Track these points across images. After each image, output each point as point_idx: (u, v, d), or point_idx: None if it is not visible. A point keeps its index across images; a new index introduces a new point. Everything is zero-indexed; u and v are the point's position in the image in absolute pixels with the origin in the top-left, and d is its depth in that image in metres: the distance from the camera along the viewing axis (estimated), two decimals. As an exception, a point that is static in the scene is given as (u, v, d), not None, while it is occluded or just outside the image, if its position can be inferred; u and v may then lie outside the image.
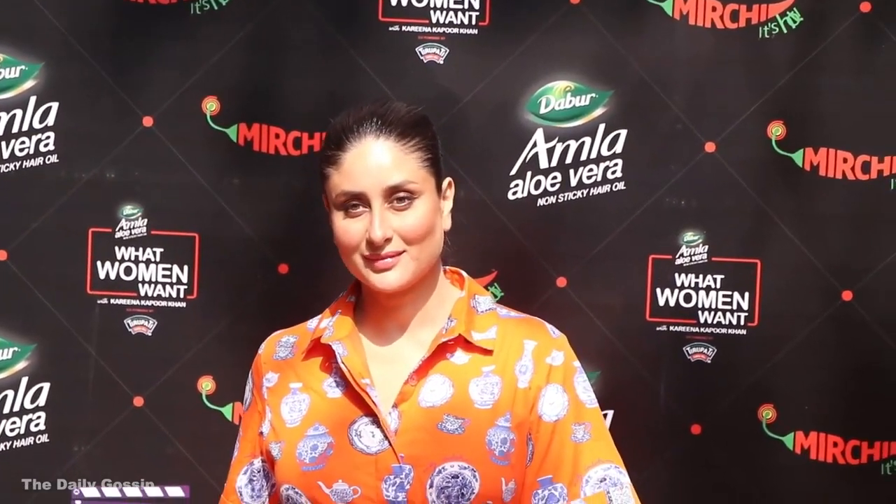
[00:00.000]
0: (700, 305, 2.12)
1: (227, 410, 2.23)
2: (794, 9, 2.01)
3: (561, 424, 1.76)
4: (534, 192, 2.19)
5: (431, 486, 1.70)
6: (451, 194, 1.79)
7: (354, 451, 1.71)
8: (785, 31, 2.04)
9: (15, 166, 2.13)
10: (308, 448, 1.73)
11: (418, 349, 1.74)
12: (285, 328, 1.81)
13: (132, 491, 2.07)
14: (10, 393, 2.16)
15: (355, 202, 1.68)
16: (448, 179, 1.75)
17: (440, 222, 1.75)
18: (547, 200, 2.18)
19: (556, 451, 1.76)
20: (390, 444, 1.68)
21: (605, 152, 2.14)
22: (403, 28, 2.15)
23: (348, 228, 1.69)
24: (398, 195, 1.67)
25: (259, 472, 1.86)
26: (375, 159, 1.70)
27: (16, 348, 2.17)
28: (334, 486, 1.74)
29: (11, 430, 2.16)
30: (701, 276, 2.11)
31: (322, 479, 1.73)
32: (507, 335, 1.79)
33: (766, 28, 2.01)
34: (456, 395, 1.73)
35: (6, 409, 2.17)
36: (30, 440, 2.17)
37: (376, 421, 1.70)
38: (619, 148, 2.17)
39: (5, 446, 2.17)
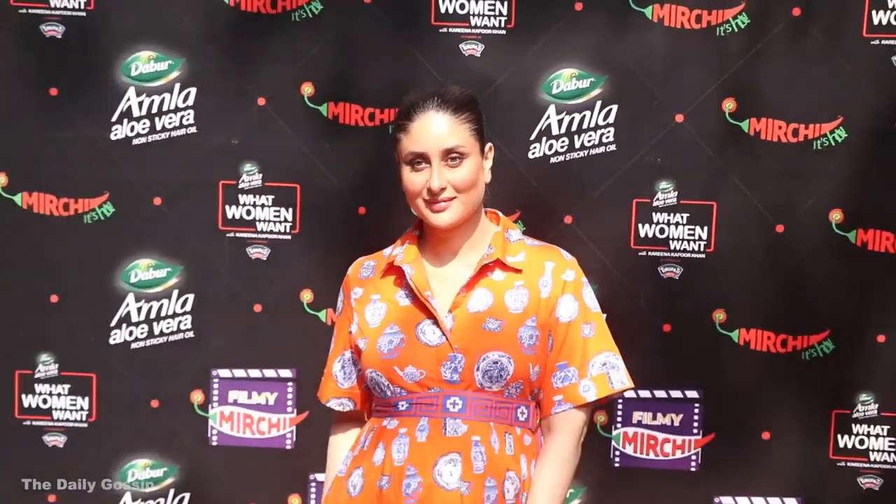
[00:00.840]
0: (671, 236, 2.64)
1: (322, 315, 2.75)
2: (744, 13, 2.49)
3: (573, 324, 2.14)
4: (547, 153, 2.69)
5: (478, 370, 2.08)
6: (492, 156, 2.14)
7: (420, 344, 2.11)
8: (736, 30, 2.52)
9: (166, 136, 2.66)
10: (385, 342, 2.12)
11: (466, 269, 2.13)
12: (366, 255, 2.23)
13: (254, 372, 2.74)
14: (165, 301, 2.71)
15: (419, 160, 2.05)
16: (489, 144, 2.10)
17: (482, 176, 2.11)
18: (557, 159, 2.68)
19: (570, 344, 2.13)
20: (447, 339, 2.08)
21: (601, 122, 2.64)
22: (450, 30, 2.63)
23: (413, 179, 2.07)
24: (451, 155, 2.04)
25: (349, 361, 2.26)
26: (435, 128, 2.06)
27: (169, 269, 2.71)
28: (406, 370, 2.11)
29: (167, 329, 2.72)
30: (672, 214, 2.62)
31: (397, 364, 2.11)
32: (532, 258, 2.18)
33: (721, 28, 2.51)
34: (495, 303, 2.12)
35: (163, 314, 2.73)
36: (180, 336, 2.73)
37: (436, 322, 2.09)
38: (611, 119, 2.68)
39: (164, 340, 2.72)
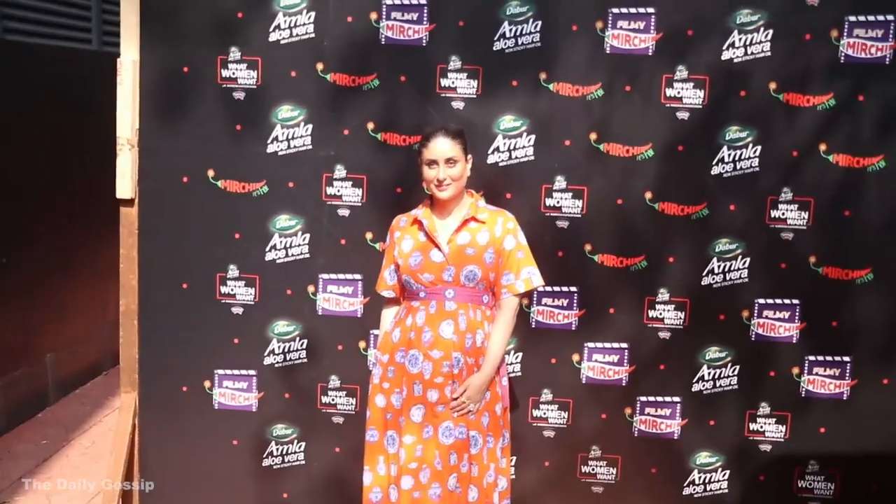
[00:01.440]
0: (563, 205, 3.97)
1: (377, 245, 3.99)
2: (601, 88, 3.87)
3: (512, 251, 3.45)
4: (497, 161, 3.95)
5: (462, 275, 3.39)
6: (471, 161, 3.44)
7: (431, 261, 3.42)
8: (597, 96, 3.92)
9: (295, 150, 3.99)
10: (413, 260, 3.44)
11: (455, 222, 3.43)
12: (401, 213, 3.60)
13: (341, 276, 4.01)
14: (294, 238, 4.05)
15: (433, 163, 3.34)
16: (470, 156, 3.41)
17: (466, 172, 3.39)
18: (503, 164, 3.94)
19: (510, 262, 3.45)
20: (445, 258, 3.38)
21: (526, 144, 3.92)
22: (446, 94, 3.91)
23: (429, 173, 3.38)
24: (450, 161, 3.34)
25: (393, 270, 3.57)
26: (442, 146, 3.34)
27: (296, 220, 4.04)
28: (423, 275, 3.42)
29: (295, 252, 4.05)
30: (563, 193, 3.95)
31: (418, 272, 3.43)
32: (491, 216, 3.46)
33: (588, 96, 3.87)
34: (471, 239, 3.40)
35: (292, 244, 4.06)
36: (301, 256, 4.08)
37: (440, 249, 3.39)
38: (531, 142, 3.92)
39: (293, 258, 4.07)
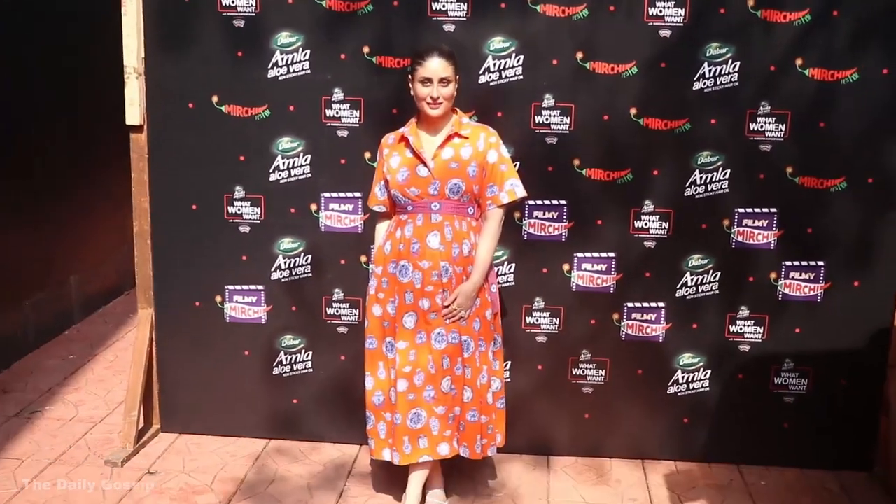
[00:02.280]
0: (551, 122, 4.14)
1: (374, 164, 4.02)
2: (586, 9, 4.04)
3: (495, 165, 3.63)
4: (488, 81, 4.09)
5: (447, 188, 3.58)
6: (460, 79, 3.61)
7: (417, 176, 3.58)
8: (583, 17, 4.07)
9: (294, 75, 4.17)
10: (400, 175, 3.61)
11: (440, 137, 3.61)
12: (390, 132, 3.75)
13: (341, 194, 4.18)
14: (296, 159, 4.25)
15: (427, 81, 3.51)
16: (458, 76, 3.58)
17: (454, 92, 3.57)
18: (493, 84, 4.07)
19: (494, 174, 3.63)
20: (431, 173, 3.56)
21: (514, 64, 4.04)
22: (437, 18, 4.02)
23: (422, 91, 3.53)
24: (443, 81, 3.52)
25: (383, 186, 3.75)
26: (437, 65, 3.51)
27: (298, 142, 4.22)
28: (410, 189, 3.60)
29: (297, 172, 4.25)
30: (552, 111, 4.11)
31: (406, 186, 3.61)
32: (474, 131, 3.63)
33: (575, 16, 4.00)
34: (455, 154, 3.58)
35: (294, 165, 4.26)
36: (304, 176, 4.27)
37: (425, 164, 3.56)
38: (520, 62, 4.05)
39: (295, 178, 4.26)
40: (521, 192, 3.67)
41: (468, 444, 3.75)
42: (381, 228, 3.81)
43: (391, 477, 4.15)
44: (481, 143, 3.61)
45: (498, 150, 3.65)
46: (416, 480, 3.79)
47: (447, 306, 3.63)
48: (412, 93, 3.61)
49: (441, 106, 3.55)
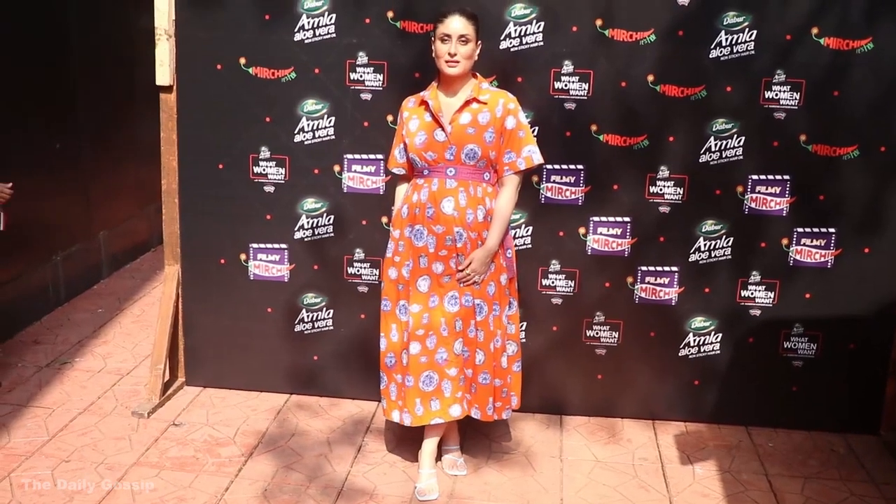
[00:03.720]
0: (570, 88, 4.21)
1: (394, 125, 4.16)
2: None
3: (513, 131, 3.63)
4: (509, 46, 4.15)
5: (463, 153, 3.60)
6: (480, 47, 3.61)
7: (435, 141, 3.60)
8: None
9: (320, 38, 4.23)
10: (418, 139, 3.64)
11: (459, 102, 3.62)
12: (412, 95, 3.77)
13: (363, 156, 4.27)
14: (320, 121, 4.34)
15: (446, 37, 3.51)
16: (479, 41, 3.59)
17: (474, 54, 3.58)
18: (514, 49, 4.14)
19: (512, 140, 3.64)
20: (448, 137, 3.58)
21: (535, 31, 4.10)
22: None
23: (441, 48, 3.54)
24: (462, 38, 3.51)
25: (402, 149, 3.77)
26: (457, 23, 3.52)
27: (322, 104, 4.32)
28: (427, 153, 3.62)
29: (321, 134, 4.34)
30: (571, 77, 4.18)
31: (423, 150, 3.63)
32: (493, 97, 3.63)
33: None
34: (472, 119, 3.59)
35: (318, 126, 4.35)
36: (328, 139, 4.35)
37: (443, 128, 3.58)
38: (541, 28, 4.11)
39: (319, 140, 4.35)
40: (538, 158, 3.68)
41: (479, 406, 3.84)
42: (401, 191, 3.85)
43: (408, 433, 4.25)
44: (499, 110, 3.63)
45: (516, 117, 3.66)
46: (430, 440, 3.91)
47: (461, 270, 3.69)
48: (433, 53, 3.64)
49: (458, 65, 3.56)
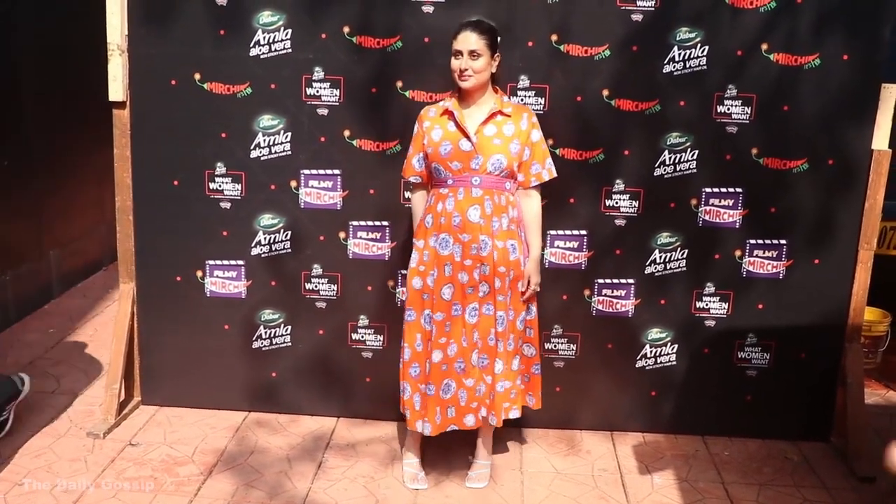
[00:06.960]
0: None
1: (354, 142, 4.27)
2: None
3: (538, 143, 3.75)
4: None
5: (489, 163, 3.63)
6: (498, 59, 3.68)
7: (460, 150, 3.63)
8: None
9: (276, 54, 4.21)
10: (443, 149, 3.66)
11: (481, 114, 3.68)
12: (430, 104, 3.87)
13: (320, 171, 4.27)
14: (277, 136, 4.31)
15: (459, 53, 3.58)
16: (498, 53, 3.65)
17: (490, 68, 3.63)
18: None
19: (537, 152, 3.75)
20: (474, 147, 3.62)
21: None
22: (416, 1, 4.14)
23: (454, 63, 3.61)
24: (473, 53, 3.57)
25: (421, 157, 3.79)
26: (467, 39, 3.57)
27: (278, 119, 4.30)
28: (452, 163, 3.64)
29: (278, 150, 4.30)
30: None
31: (448, 160, 3.66)
32: (516, 111, 3.73)
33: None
34: (497, 131, 3.66)
35: (275, 142, 4.31)
36: (284, 154, 4.32)
37: (468, 138, 3.62)
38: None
39: (276, 155, 4.33)
40: (555, 171, 3.85)
41: (496, 413, 3.90)
42: (418, 200, 3.92)
43: (369, 449, 4.27)
44: (524, 123, 3.73)
45: (539, 130, 3.80)
46: (414, 446, 4.03)
47: (524, 292, 3.82)
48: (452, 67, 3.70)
49: (470, 79, 3.62)
